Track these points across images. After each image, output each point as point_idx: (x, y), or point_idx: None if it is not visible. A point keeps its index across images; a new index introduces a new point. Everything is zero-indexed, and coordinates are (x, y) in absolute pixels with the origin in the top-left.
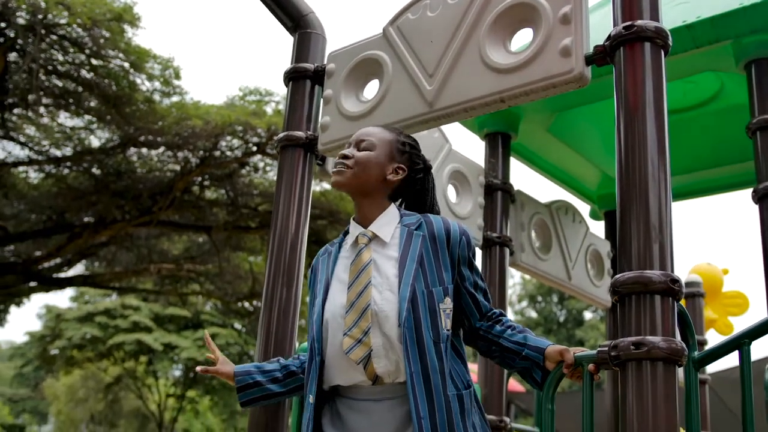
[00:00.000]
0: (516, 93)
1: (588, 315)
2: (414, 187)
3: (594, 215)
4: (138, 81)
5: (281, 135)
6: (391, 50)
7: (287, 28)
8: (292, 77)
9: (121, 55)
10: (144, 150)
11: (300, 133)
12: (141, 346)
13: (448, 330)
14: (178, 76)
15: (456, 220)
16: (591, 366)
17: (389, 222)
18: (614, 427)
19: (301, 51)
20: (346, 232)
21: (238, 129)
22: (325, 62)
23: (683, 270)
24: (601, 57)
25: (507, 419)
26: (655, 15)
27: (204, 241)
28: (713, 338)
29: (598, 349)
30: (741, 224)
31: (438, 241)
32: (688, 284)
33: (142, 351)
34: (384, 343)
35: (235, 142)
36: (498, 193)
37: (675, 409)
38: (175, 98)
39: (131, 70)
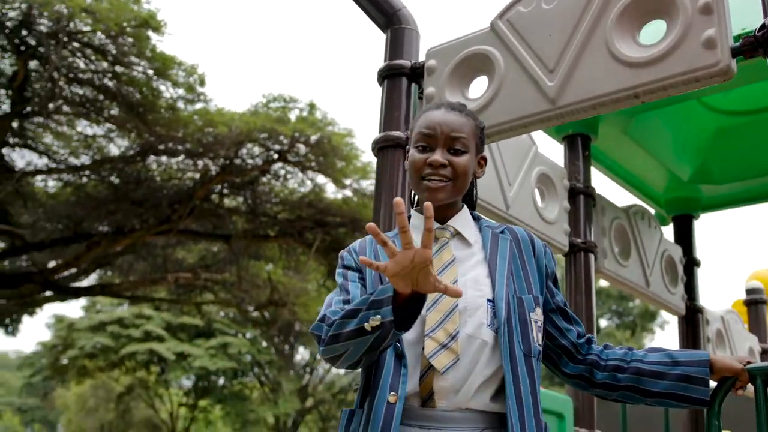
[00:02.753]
0: (653, 88)
1: (603, 323)
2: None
3: (661, 219)
4: (162, 88)
5: (379, 136)
6: (501, 45)
7: (379, 25)
8: (387, 75)
9: (144, 62)
10: (164, 158)
11: (399, 134)
12: (153, 356)
13: (539, 344)
14: (203, 83)
15: (545, 225)
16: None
17: (467, 222)
18: None
19: (395, 48)
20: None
21: (261, 136)
22: (423, 59)
23: (742, 276)
24: (751, 48)
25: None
26: None
27: (219, 250)
28: None
29: None
30: None
31: (524, 249)
32: (750, 291)
33: (154, 360)
34: (468, 349)
35: (256, 149)
36: (581, 197)
37: None
38: (198, 105)
39: (155, 77)
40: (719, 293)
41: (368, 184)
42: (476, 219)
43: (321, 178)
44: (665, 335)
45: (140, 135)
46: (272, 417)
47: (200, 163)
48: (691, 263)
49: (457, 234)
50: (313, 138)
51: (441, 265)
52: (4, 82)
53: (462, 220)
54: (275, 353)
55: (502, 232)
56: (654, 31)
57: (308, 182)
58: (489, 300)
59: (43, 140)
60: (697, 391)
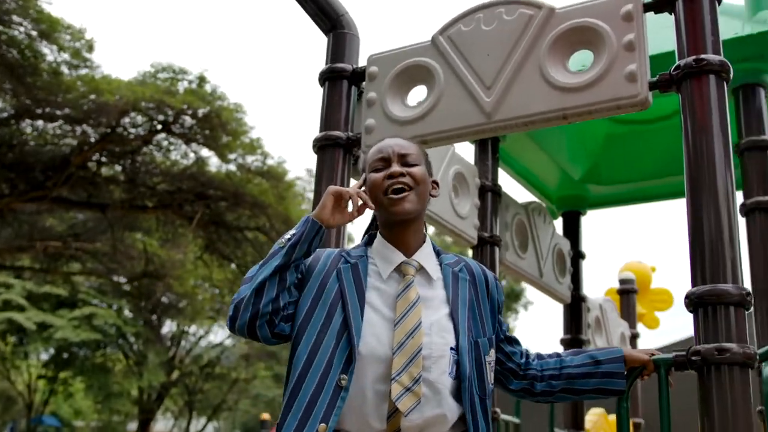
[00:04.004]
0: (580, 111)
1: None
2: None
3: (552, 214)
4: (46, 51)
5: (320, 135)
6: (441, 59)
7: (322, 29)
8: (329, 77)
9: (28, 22)
10: (40, 122)
11: (339, 133)
12: (11, 326)
13: (492, 383)
14: (91, 49)
15: (458, 220)
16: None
17: (430, 255)
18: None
19: (336, 51)
20: (366, 245)
21: (148, 106)
22: (365, 64)
23: (616, 267)
24: (665, 84)
25: (497, 410)
26: (718, 49)
27: (88, 219)
28: (641, 331)
29: (675, 354)
30: (666, 226)
31: (480, 288)
32: (623, 281)
33: (12, 330)
34: (429, 393)
35: (140, 119)
36: (489, 195)
37: (750, 409)
38: (84, 71)
39: (39, 39)
40: (594, 282)
41: (253, 160)
42: (437, 253)
43: (205, 151)
44: (528, 315)
45: (16, 97)
46: (136, 390)
47: (79, 129)
48: (577, 256)
49: (421, 269)
50: (201, 111)
51: (406, 306)
52: None
53: (425, 254)
54: (143, 325)
55: (460, 270)
56: (580, 59)
57: (191, 154)
58: (452, 348)
59: None
60: (617, 383)
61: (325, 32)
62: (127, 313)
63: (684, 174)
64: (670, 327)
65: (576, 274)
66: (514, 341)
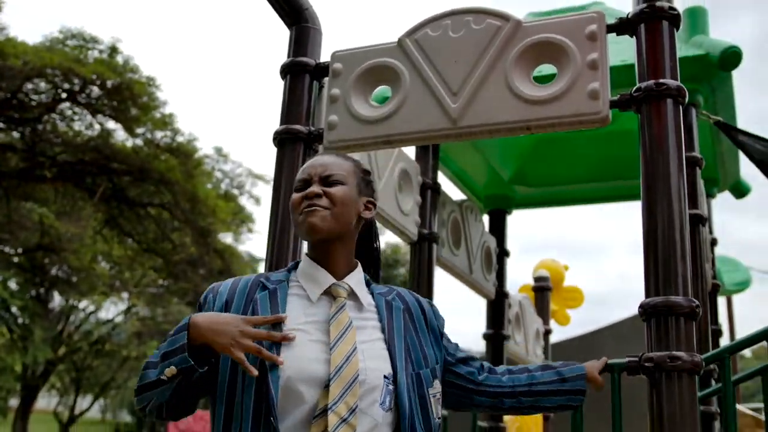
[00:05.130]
0: (543, 124)
1: None
2: (371, 225)
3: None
4: None
5: (280, 128)
6: (408, 62)
7: (285, 22)
8: (291, 71)
9: None
10: None
11: (300, 128)
12: None
13: (439, 418)
14: None
15: (402, 216)
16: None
17: (361, 282)
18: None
19: (299, 45)
20: (290, 270)
21: (54, 73)
22: (329, 60)
23: (531, 264)
24: (625, 104)
25: None
26: (676, 74)
27: None
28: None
29: (628, 359)
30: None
31: (415, 317)
32: (538, 279)
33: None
34: (363, 425)
35: (43, 86)
36: (429, 192)
37: (697, 412)
38: None
39: None
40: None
41: (163, 135)
42: (367, 284)
43: (111, 124)
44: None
45: None
46: (20, 365)
47: None
48: (502, 253)
49: (352, 294)
50: (111, 82)
51: (340, 329)
52: None
53: (356, 280)
54: (30, 299)
55: (393, 299)
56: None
57: (96, 126)
58: (385, 377)
59: None
60: (579, 400)
61: (288, 25)
62: (12, 285)
63: (641, 189)
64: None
65: (501, 271)
66: (469, 360)
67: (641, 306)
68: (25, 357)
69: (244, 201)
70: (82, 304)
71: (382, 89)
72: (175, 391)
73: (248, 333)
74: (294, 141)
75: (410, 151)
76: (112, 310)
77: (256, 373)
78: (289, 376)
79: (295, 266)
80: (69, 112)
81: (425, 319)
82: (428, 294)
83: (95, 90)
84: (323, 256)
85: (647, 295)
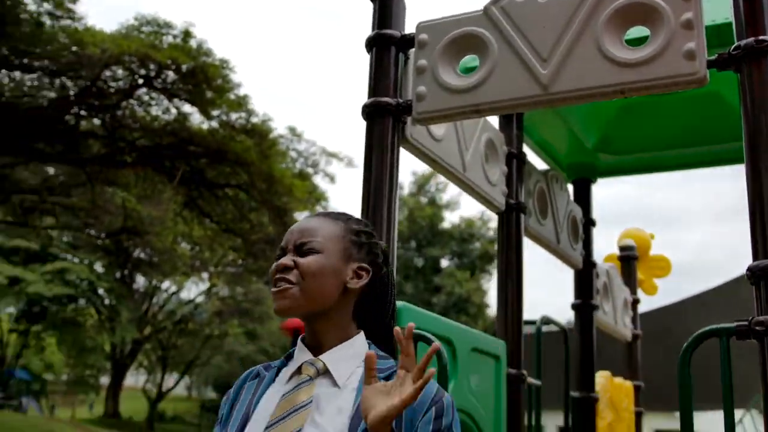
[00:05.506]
0: (638, 87)
1: (445, 262)
2: (376, 290)
3: None
4: (27, 1)
5: (368, 101)
6: (495, 30)
7: None
8: (376, 44)
9: None
10: (17, 74)
11: (389, 100)
12: None
13: None
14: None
15: (490, 187)
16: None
17: (351, 357)
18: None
19: (384, 17)
20: (290, 356)
21: (131, 60)
22: (414, 31)
23: (613, 234)
24: (723, 63)
25: (525, 372)
26: None
27: (62, 172)
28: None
29: (737, 323)
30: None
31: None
32: (623, 248)
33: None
34: None
35: (121, 72)
36: (514, 162)
37: None
38: (67, 22)
39: None
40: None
41: (237, 117)
42: (381, 357)
43: (187, 107)
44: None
45: None
46: (109, 345)
47: (58, 82)
48: (588, 223)
49: (326, 372)
50: (185, 66)
51: (288, 408)
52: None
53: (341, 355)
54: (115, 280)
55: (388, 377)
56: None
57: (173, 110)
58: None
59: None
60: None
61: None
62: (99, 268)
63: (744, 150)
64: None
65: (587, 240)
66: None
67: (749, 269)
68: (113, 337)
69: (319, 179)
70: (165, 284)
71: (468, 58)
72: None
73: None
74: (383, 114)
75: (494, 122)
76: (193, 290)
77: None
78: None
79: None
80: (146, 98)
81: (423, 412)
82: (518, 265)
83: (171, 75)
84: (308, 332)
85: (755, 258)
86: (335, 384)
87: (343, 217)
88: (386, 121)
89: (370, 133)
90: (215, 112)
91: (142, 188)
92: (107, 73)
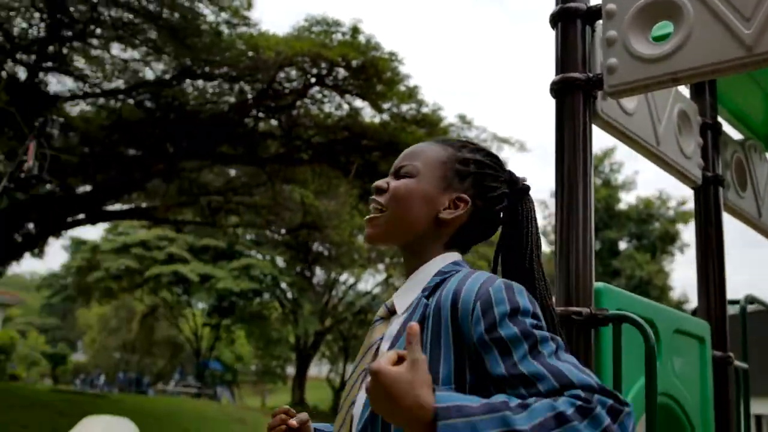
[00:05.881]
0: None
1: (623, 245)
2: (493, 225)
3: None
4: (206, 12)
5: (557, 78)
6: None
7: None
8: (562, 18)
9: None
10: (200, 82)
11: (578, 75)
12: (177, 277)
13: None
14: (249, 7)
15: (685, 160)
16: None
17: (421, 281)
18: None
19: None
20: None
21: (303, 60)
22: (600, 2)
23: None
24: None
25: (732, 354)
26: None
27: (239, 174)
28: None
29: None
30: None
31: (442, 316)
32: None
33: (178, 281)
34: None
35: (294, 73)
36: (709, 132)
37: None
38: (243, 29)
39: (198, 0)
40: None
41: (408, 108)
42: (442, 274)
43: (358, 102)
44: (685, 258)
45: (178, 59)
46: (293, 336)
47: (236, 87)
48: None
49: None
50: (355, 62)
51: (363, 352)
52: (41, 5)
53: (413, 282)
54: (296, 274)
55: (432, 292)
56: None
57: (345, 106)
58: None
59: (76, 64)
60: None
61: None
62: (281, 263)
63: None
64: None
65: None
66: (512, 385)
67: None
68: (296, 328)
69: None
70: (343, 277)
71: (661, 25)
72: None
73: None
74: (572, 90)
75: (685, 92)
76: (370, 281)
77: None
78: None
79: None
80: (319, 96)
81: (454, 318)
82: (718, 241)
83: (341, 71)
84: (405, 265)
85: None
86: (396, 316)
87: (458, 144)
88: (576, 97)
89: (561, 111)
90: (386, 105)
91: (318, 184)
92: (282, 74)
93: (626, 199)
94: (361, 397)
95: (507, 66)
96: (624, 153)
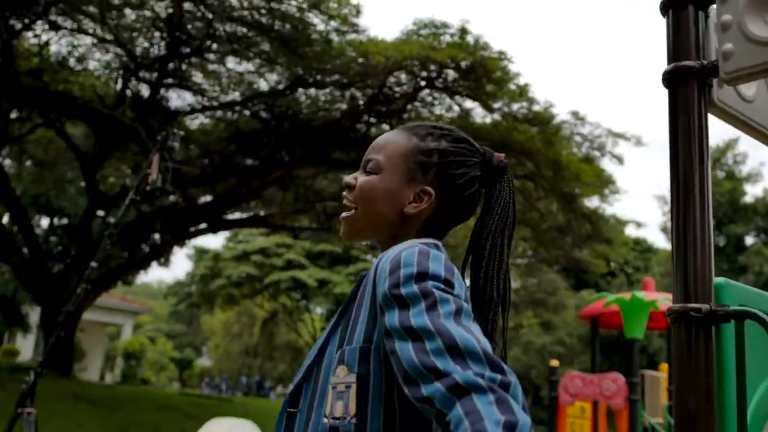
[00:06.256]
0: None
1: (750, 240)
2: (465, 210)
3: None
4: (316, 21)
5: (669, 67)
6: None
7: None
8: (672, 5)
9: None
10: (312, 90)
11: (692, 63)
12: (295, 283)
13: (334, 419)
14: (357, 14)
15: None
16: None
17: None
18: None
19: None
20: None
21: (412, 63)
22: None
23: None
24: None
25: None
26: None
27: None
28: None
29: None
30: None
31: (367, 283)
32: None
33: (296, 287)
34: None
35: (404, 77)
36: None
37: None
38: (352, 36)
39: (309, 11)
40: None
41: (519, 107)
42: None
43: (468, 103)
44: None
45: (290, 69)
46: None
47: (348, 93)
48: None
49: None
50: (464, 63)
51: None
52: (161, 25)
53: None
54: None
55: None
56: None
57: (455, 107)
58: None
59: (194, 79)
60: None
61: None
62: None
63: None
64: None
65: None
66: (402, 338)
67: None
68: None
69: (606, 162)
70: None
71: None
72: None
73: None
74: (686, 79)
75: None
76: None
77: None
78: None
79: None
80: (429, 98)
81: (374, 286)
82: None
83: (451, 73)
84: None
85: None
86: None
87: (423, 132)
88: (690, 86)
89: (674, 101)
90: (496, 105)
91: None
92: (391, 79)
93: (752, 192)
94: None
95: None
96: (748, 143)
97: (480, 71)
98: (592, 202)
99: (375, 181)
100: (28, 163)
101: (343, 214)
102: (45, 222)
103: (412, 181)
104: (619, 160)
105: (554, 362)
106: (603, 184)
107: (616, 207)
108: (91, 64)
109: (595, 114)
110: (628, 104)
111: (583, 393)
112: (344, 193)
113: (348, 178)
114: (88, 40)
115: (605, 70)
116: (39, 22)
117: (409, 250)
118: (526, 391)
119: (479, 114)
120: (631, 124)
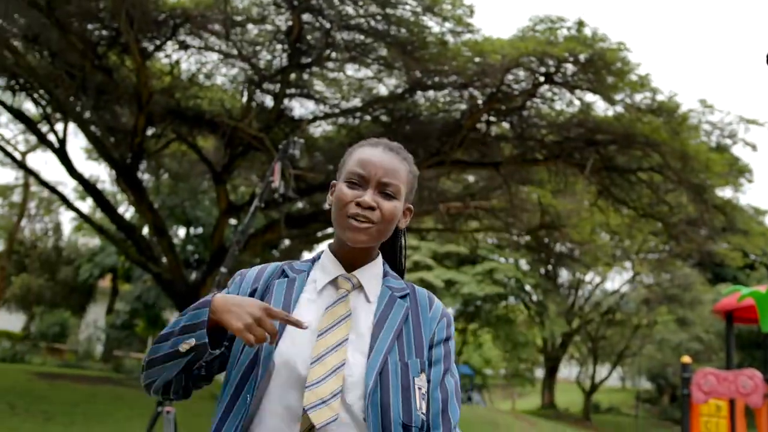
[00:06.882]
0: None
1: None
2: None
3: None
4: (431, 24)
5: None
6: None
7: None
8: None
9: (412, 0)
10: (431, 93)
11: None
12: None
13: (423, 413)
14: (471, 14)
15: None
16: None
17: (376, 276)
18: None
19: None
20: (314, 260)
21: (529, 60)
22: None
23: None
24: None
25: None
26: None
27: (480, 178)
28: None
29: None
30: None
31: (422, 312)
32: None
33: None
34: (345, 416)
35: (521, 74)
36: None
37: None
38: (466, 36)
39: (423, 14)
40: None
41: (642, 98)
42: (385, 275)
43: (589, 96)
44: None
45: (408, 72)
46: (540, 339)
47: (466, 94)
48: None
49: (360, 287)
50: (583, 56)
51: (333, 320)
52: (282, 38)
53: (370, 273)
54: (540, 276)
55: (403, 296)
56: None
57: (576, 102)
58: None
59: (316, 88)
60: None
61: None
62: (523, 265)
63: None
64: None
65: None
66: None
67: None
68: (543, 331)
69: (739, 150)
70: (588, 276)
71: None
72: (184, 369)
73: (264, 322)
74: None
75: None
76: (617, 279)
77: (255, 347)
78: (276, 362)
79: (320, 257)
80: (548, 94)
81: (429, 320)
82: None
83: (569, 67)
84: (345, 252)
85: None
86: (367, 299)
87: (408, 158)
88: None
89: None
90: (618, 97)
91: (555, 183)
92: (509, 77)
93: None
94: (357, 361)
95: (745, 41)
96: None
97: (599, 63)
98: (724, 192)
99: (397, 206)
100: (165, 176)
101: (364, 226)
102: (182, 232)
103: (406, 201)
104: (753, 147)
105: (686, 358)
106: (737, 173)
107: (751, 196)
108: (218, 79)
109: (724, 102)
110: (759, 89)
111: (717, 390)
112: (360, 210)
113: (369, 201)
114: (214, 56)
115: (732, 54)
116: (169, 43)
117: (433, 296)
118: (661, 391)
119: (601, 107)
120: (764, 109)
